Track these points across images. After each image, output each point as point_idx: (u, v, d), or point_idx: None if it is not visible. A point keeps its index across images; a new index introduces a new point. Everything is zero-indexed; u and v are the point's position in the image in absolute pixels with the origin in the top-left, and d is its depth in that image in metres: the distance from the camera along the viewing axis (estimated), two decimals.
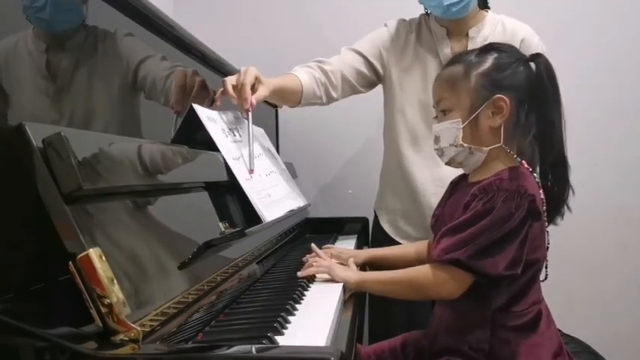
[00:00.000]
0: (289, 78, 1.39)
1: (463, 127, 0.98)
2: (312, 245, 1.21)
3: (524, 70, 0.98)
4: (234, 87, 1.19)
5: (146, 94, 1.07)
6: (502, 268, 0.89)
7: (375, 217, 1.64)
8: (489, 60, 0.99)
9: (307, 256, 1.19)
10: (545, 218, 0.96)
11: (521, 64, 0.98)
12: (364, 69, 1.52)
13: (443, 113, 1.02)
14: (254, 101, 1.19)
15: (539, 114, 0.97)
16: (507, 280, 0.91)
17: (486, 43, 1.38)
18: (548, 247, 0.97)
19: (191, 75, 1.17)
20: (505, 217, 0.89)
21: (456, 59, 1.05)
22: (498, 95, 0.96)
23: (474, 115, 0.97)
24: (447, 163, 1.05)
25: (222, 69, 1.42)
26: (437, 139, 1.03)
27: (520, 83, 0.97)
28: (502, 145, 0.97)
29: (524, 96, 0.97)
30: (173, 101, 1.13)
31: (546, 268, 0.98)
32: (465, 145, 0.98)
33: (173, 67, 1.13)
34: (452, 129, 0.99)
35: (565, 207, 0.99)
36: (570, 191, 0.99)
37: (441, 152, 1.03)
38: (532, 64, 0.99)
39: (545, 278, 0.99)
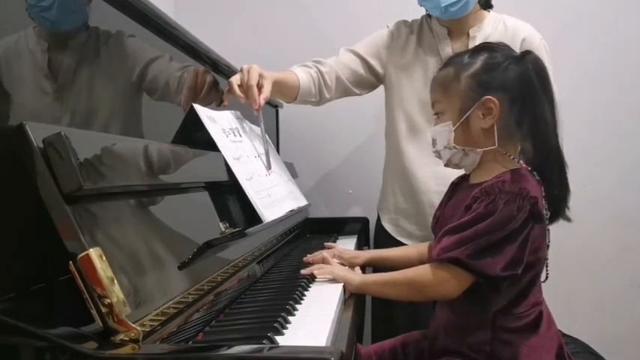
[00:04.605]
0: (288, 74, 1.42)
1: (455, 130, 0.98)
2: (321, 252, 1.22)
3: (515, 69, 0.96)
4: (240, 86, 1.21)
5: (157, 95, 1.07)
6: (499, 268, 0.88)
7: (378, 217, 1.64)
8: (479, 61, 0.98)
9: (309, 256, 1.19)
10: (548, 220, 0.95)
11: (513, 63, 0.97)
12: (361, 70, 1.53)
13: (437, 116, 1.03)
14: (262, 102, 1.21)
15: (530, 112, 0.96)
16: (507, 281, 0.91)
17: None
18: (548, 246, 0.97)
19: (202, 74, 1.18)
20: (506, 219, 0.89)
21: (449, 61, 1.05)
22: (487, 97, 0.95)
23: (464, 117, 0.97)
24: (445, 165, 1.05)
25: (225, 71, 1.42)
26: (434, 142, 1.04)
27: (510, 83, 0.96)
28: (497, 148, 0.97)
29: (516, 95, 0.95)
30: (184, 102, 1.13)
31: (547, 268, 0.98)
32: (458, 147, 0.99)
33: (185, 67, 1.13)
34: (444, 132, 1.00)
35: (566, 208, 0.99)
36: (569, 192, 0.98)
37: (438, 154, 1.04)
38: (524, 62, 0.97)
39: (546, 278, 0.99)
